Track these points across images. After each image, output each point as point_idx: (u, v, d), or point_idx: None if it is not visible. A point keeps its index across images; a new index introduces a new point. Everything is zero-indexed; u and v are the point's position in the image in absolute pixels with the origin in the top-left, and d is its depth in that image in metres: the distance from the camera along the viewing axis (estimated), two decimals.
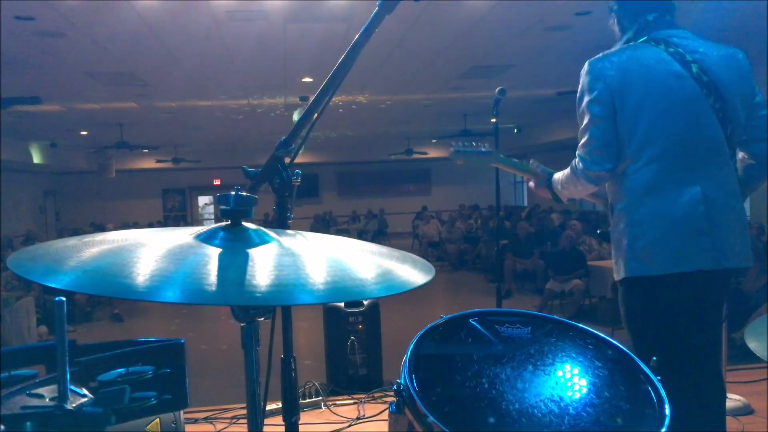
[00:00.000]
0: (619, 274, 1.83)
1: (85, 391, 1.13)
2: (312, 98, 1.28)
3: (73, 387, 1.07)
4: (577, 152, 1.87)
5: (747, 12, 5.40)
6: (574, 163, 1.89)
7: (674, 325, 1.76)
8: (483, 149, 2.23)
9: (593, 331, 1.33)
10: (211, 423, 2.52)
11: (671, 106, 1.75)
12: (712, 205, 1.73)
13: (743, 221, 1.83)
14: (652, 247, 1.74)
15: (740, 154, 1.91)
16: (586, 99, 1.81)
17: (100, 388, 1.52)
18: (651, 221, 1.75)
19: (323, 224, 16.17)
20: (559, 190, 2.04)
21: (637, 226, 1.76)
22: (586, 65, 1.85)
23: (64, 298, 0.92)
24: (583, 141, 1.83)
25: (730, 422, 2.48)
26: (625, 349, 1.28)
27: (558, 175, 2.03)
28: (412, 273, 1.05)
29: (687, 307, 1.76)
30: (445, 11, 5.37)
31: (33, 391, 1.21)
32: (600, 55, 1.85)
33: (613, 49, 1.88)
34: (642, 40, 1.85)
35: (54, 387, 1.03)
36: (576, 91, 1.88)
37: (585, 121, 1.82)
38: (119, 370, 1.59)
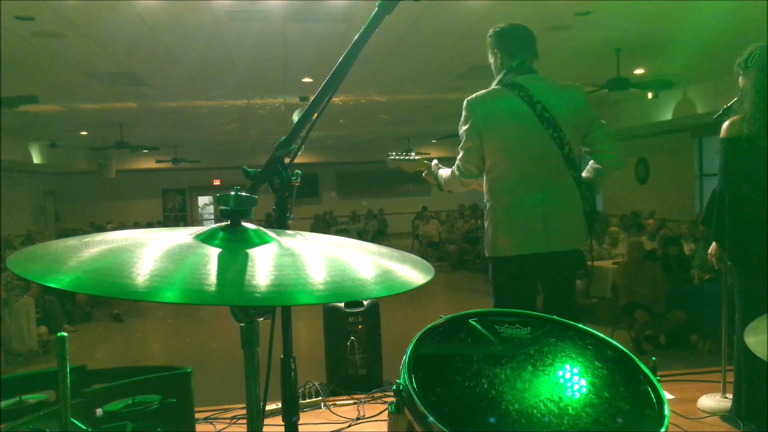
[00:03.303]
0: (486, 253, 2.56)
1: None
2: (312, 98, 1.28)
3: (76, 420, 1.07)
4: (456, 162, 2.57)
5: (747, 12, 5.39)
6: (453, 169, 2.61)
7: (520, 292, 2.48)
8: (411, 157, 3.07)
9: (593, 331, 1.33)
10: (211, 423, 2.52)
11: (519, 136, 2.42)
12: (548, 207, 2.40)
13: (576, 216, 2.47)
14: (504, 236, 2.45)
15: (591, 162, 2.58)
16: (463, 127, 2.49)
17: (105, 419, 1.52)
18: (504, 218, 2.45)
19: (323, 224, 16.16)
20: (443, 183, 2.77)
21: (496, 221, 2.47)
22: (465, 102, 2.48)
23: (66, 334, 0.91)
24: (459, 156, 2.53)
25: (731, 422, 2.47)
26: (624, 349, 1.29)
27: (442, 172, 2.79)
28: (412, 273, 1.05)
29: (529, 279, 2.49)
30: (445, 11, 5.36)
31: (37, 425, 1.21)
32: (474, 96, 2.48)
33: (484, 91, 2.51)
34: (502, 85, 2.49)
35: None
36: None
37: (461, 143, 2.51)
38: (126, 400, 1.58)
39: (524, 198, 2.41)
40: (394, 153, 3.10)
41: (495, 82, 2.56)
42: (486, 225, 2.54)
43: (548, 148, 2.41)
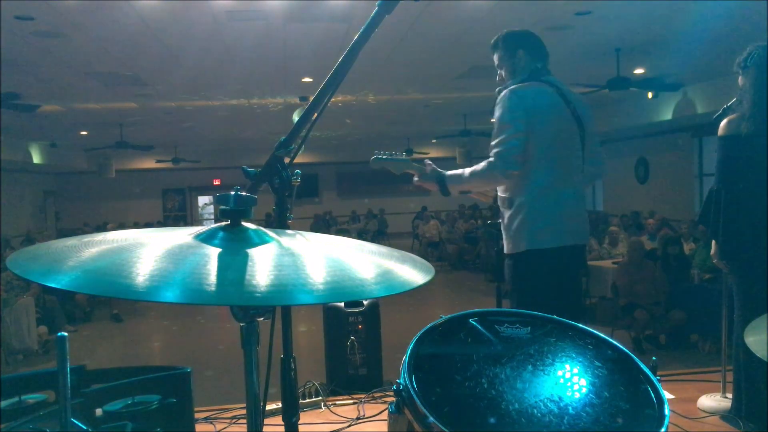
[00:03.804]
0: (517, 248, 2.44)
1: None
2: (312, 98, 1.28)
3: (76, 420, 1.07)
4: (495, 154, 2.38)
5: (747, 12, 5.39)
6: (491, 163, 2.39)
7: (555, 284, 2.40)
8: (400, 157, 2.83)
9: (593, 331, 1.33)
10: (211, 423, 2.52)
11: (561, 131, 2.44)
12: (579, 202, 2.50)
13: (586, 213, 2.61)
14: (547, 228, 2.39)
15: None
16: (508, 117, 2.39)
17: (105, 419, 1.52)
18: (546, 210, 2.40)
19: (323, 224, 16.16)
20: (456, 185, 2.58)
21: (536, 213, 2.40)
22: (507, 92, 2.41)
23: (66, 334, 0.91)
24: (502, 148, 2.37)
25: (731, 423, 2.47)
26: (624, 349, 1.29)
27: (456, 172, 2.59)
28: (412, 273, 1.05)
29: (567, 270, 2.47)
30: (445, 11, 5.36)
31: (37, 425, 1.21)
32: (518, 87, 2.44)
33: (524, 84, 2.46)
34: (538, 82, 2.46)
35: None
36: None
37: (507, 133, 2.37)
38: (126, 400, 1.58)
39: (563, 192, 2.44)
40: (379, 152, 2.85)
41: (516, 80, 2.51)
42: (515, 220, 2.44)
43: (578, 145, 2.50)
